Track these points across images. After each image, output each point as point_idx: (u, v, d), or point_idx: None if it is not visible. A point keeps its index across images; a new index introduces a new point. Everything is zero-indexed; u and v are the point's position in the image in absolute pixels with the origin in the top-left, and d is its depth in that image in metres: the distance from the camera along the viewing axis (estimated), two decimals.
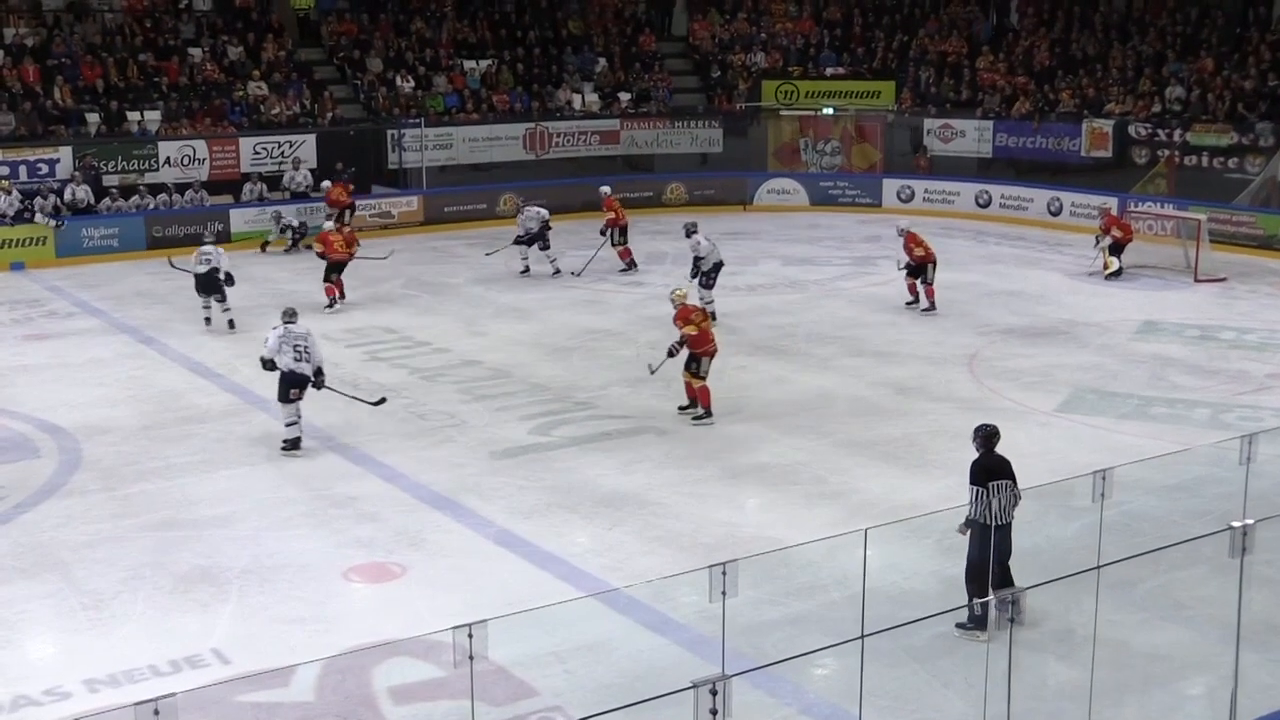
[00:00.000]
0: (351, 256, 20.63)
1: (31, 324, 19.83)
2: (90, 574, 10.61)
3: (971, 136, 30.28)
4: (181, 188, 26.67)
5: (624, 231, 23.41)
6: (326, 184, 26.24)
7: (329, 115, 29.39)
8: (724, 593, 7.13)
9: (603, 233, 23.38)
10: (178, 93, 28.46)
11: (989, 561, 9.09)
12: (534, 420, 14.57)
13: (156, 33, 29.72)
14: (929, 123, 30.85)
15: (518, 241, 23.00)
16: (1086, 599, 8.25)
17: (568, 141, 31.35)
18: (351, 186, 26.41)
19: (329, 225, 21.90)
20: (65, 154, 26.05)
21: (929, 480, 12.54)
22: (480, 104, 31.27)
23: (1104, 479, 8.38)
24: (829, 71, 33.03)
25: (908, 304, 19.94)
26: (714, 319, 17.91)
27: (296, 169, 27.58)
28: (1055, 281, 22.06)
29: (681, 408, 14.70)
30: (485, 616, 6.84)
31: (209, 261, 19.01)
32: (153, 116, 27.75)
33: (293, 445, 13.53)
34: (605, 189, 24.39)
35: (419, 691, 8.61)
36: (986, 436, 9.46)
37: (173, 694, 5.98)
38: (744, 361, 17.03)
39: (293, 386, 13.59)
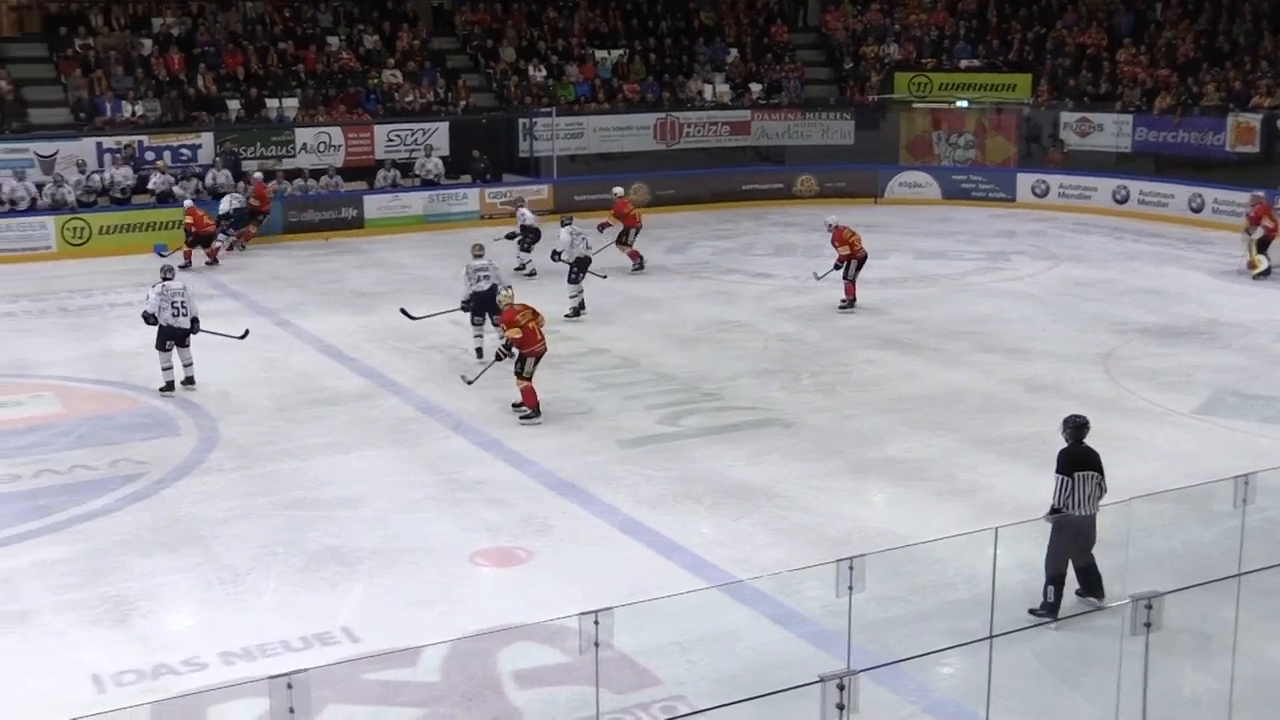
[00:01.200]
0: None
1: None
2: (226, 549, 10.86)
3: (1110, 130, 29.64)
4: (317, 173, 27.18)
5: (635, 233, 22.73)
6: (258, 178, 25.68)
7: (462, 104, 29.72)
8: (851, 588, 7.09)
9: (600, 229, 22.33)
10: (315, 80, 28.99)
11: (1069, 551, 9.25)
12: (661, 410, 14.59)
13: (295, 22, 30.32)
14: (1066, 116, 30.27)
15: (510, 236, 22.54)
16: (1226, 607, 8.05)
17: (698, 132, 31.32)
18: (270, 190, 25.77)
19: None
20: (207, 140, 26.70)
21: None
22: (611, 94, 31.39)
23: (1246, 484, 8.17)
24: (963, 64, 32.57)
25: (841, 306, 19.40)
26: (582, 311, 18.93)
27: (429, 156, 27.95)
28: (1196, 280, 21.51)
29: (515, 405, 14.43)
30: (609, 604, 6.88)
31: (486, 277, 16.52)
32: (291, 103, 28.31)
33: (167, 388, 15.20)
34: (618, 190, 23.96)
35: (543, 676, 8.67)
36: (1076, 427, 9.53)
37: (305, 669, 6.12)
38: (873, 355, 16.89)
39: (169, 338, 15.22)
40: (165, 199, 25.19)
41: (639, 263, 22.75)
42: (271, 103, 28.18)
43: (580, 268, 19.51)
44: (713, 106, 31.85)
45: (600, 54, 32.12)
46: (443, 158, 28.16)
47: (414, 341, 17.69)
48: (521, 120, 29.78)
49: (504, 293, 15.03)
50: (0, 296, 20.89)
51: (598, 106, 30.95)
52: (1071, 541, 9.26)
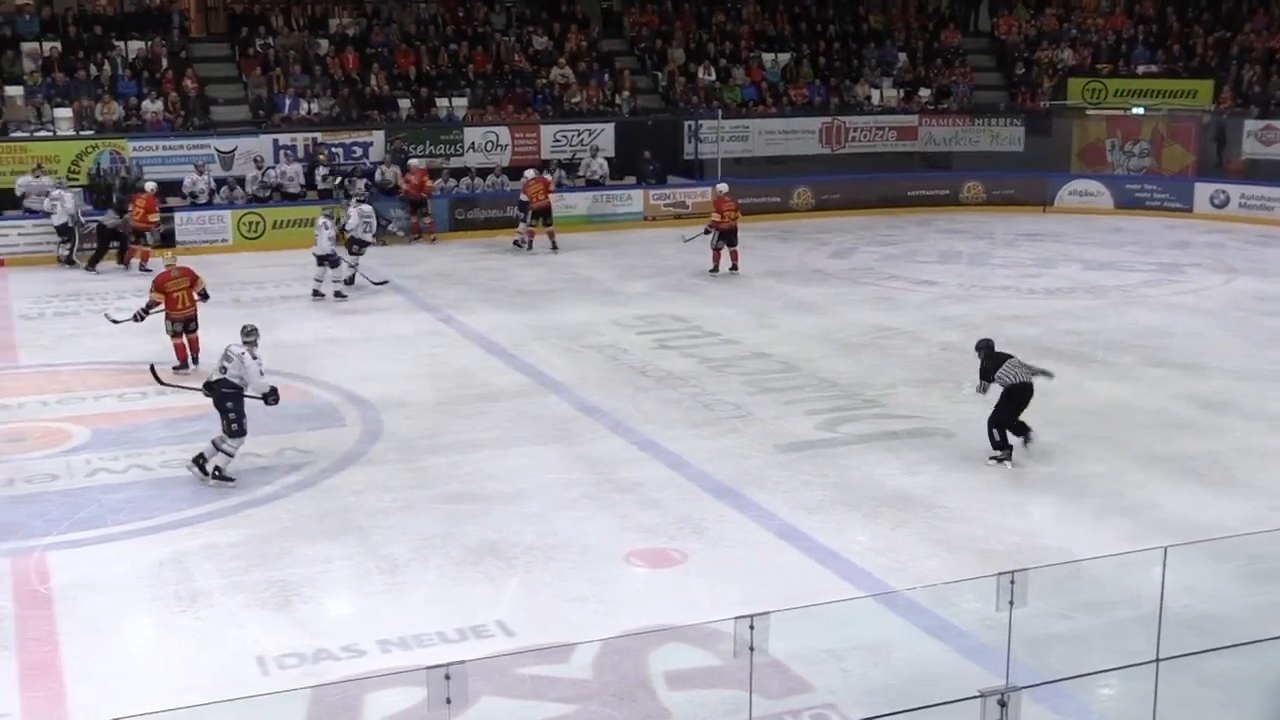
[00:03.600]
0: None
1: (341, 299, 20.82)
2: (386, 540, 11.07)
3: None
4: (484, 172, 27.59)
5: (718, 236, 22.69)
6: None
7: (628, 105, 29.88)
8: (1011, 602, 6.95)
9: (706, 231, 22.89)
10: (484, 80, 29.43)
11: (1017, 412, 12.86)
12: (820, 415, 14.50)
13: (467, 23, 30.82)
14: (1250, 124, 29.30)
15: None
16: None
17: (864, 136, 31.06)
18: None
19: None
20: (378, 138, 27.31)
21: (1235, 500, 11.94)
22: (778, 97, 31.28)
23: None
24: (1141, 69, 31.74)
25: (711, 271, 22.01)
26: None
27: (594, 157, 28.17)
28: None
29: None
30: (763, 608, 6.85)
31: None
32: (460, 103, 28.80)
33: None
34: (722, 187, 23.76)
35: (695, 678, 8.68)
36: (988, 347, 13.13)
37: (462, 661, 6.21)
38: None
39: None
40: (329, 195, 25.82)
41: (717, 265, 22.67)
42: (441, 102, 28.72)
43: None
44: (880, 111, 31.55)
45: (768, 57, 32.04)
46: (608, 159, 28.37)
47: (575, 340, 17.85)
48: (687, 122, 29.85)
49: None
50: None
51: (764, 110, 30.87)
52: (1019, 406, 12.80)
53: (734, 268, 22.55)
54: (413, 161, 26.29)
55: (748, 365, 16.64)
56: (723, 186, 23.77)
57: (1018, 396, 12.80)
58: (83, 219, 23.75)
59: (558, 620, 9.62)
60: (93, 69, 27.19)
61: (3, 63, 26.78)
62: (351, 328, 18.84)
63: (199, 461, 12.52)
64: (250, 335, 12.96)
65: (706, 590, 10.13)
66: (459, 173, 27.37)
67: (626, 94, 30.05)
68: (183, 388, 14.10)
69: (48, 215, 23.69)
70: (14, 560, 10.70)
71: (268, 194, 26.06)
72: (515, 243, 24.78)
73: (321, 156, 26.44)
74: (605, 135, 28.83)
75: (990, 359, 13.00)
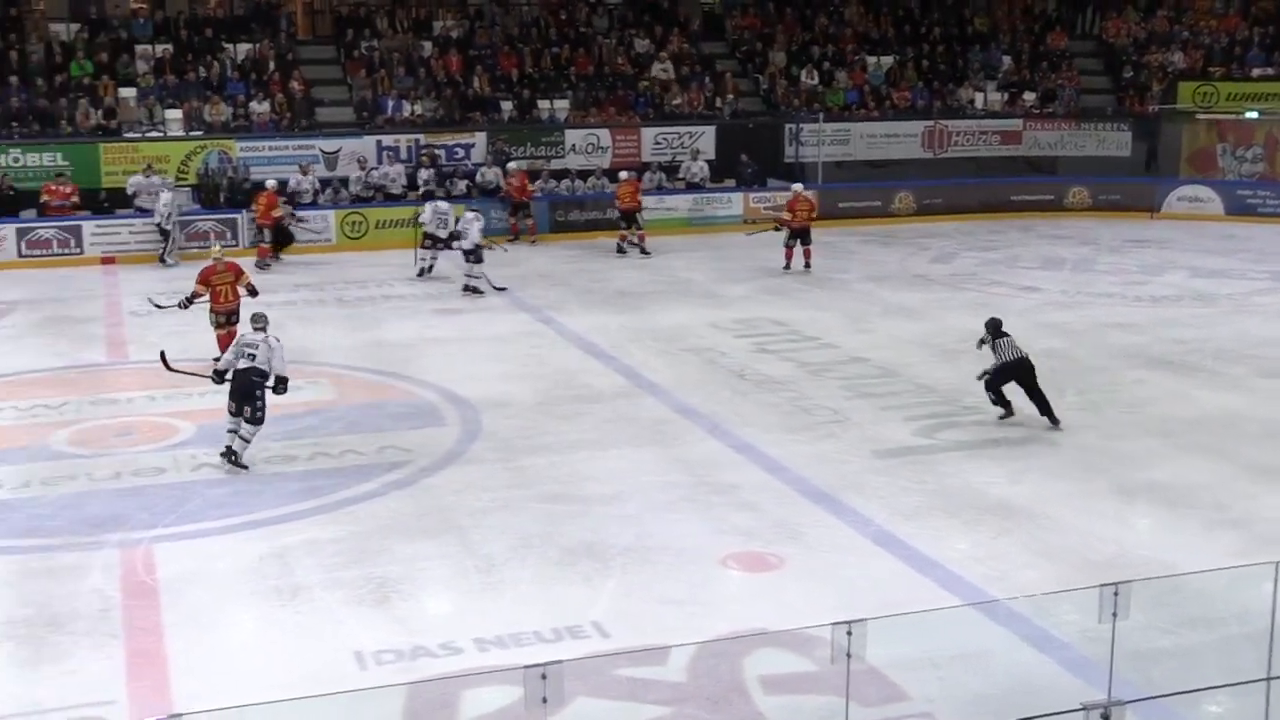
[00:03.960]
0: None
1: (442, 299, 21.04)
2: (484, 539, 11.15)
3: None
4: (585, 174, 27.70)
5: (793, 235, 23.06)
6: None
7: (729, 108, 29.85)
8: (1114, 614, 6.84)
9: (777, 228, 23.35)
10: (586, 83, 29.55)
11: (1005, 382, 14.33)
12: (919, 421, 14.38)
13: (570, 25, 30.94)
14: None
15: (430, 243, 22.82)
16: None
17: (967, 140, 30.72)
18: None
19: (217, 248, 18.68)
20: (480, 139, 27.52)
21: None
22: (880, 100, 31.07)
23: None
24: (1255, 72, 31.06)
25: (784, 269, 22.35)
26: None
27: (694, 160, 28.14)
28: None
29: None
30: (859, 615, 6.81)
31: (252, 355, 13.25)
32: (562, 105, 28.94)
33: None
34: (797, 186, 24.21)
35: (790, 684, 8.64)
36: (995, 327, 14.59)
37: (558, 661, 6.24)
38: (1142, 375, 16.28)
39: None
40: (431, 197, 26.07)
41: (788, 263, 22.99)
42: (543, 104, 28.87)
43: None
44: (983, 115, 31.19)
45: (871, 60, 31.82)
46: (708, 161, 28.34)
47: (673, 343, 17.87)
48: (788, 125, 29.74)
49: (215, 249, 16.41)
50: (283, 286, 21.94)
51: (866, 113, 30.68)
52: (1010, 377, 14.27)
53: (807, 266, 22.86)
54: (512, 164, 26.47)
55: (846, 370, 16.55)
56: (798, 186, 24.19)
57: (1012, 371, 14.35)
58: (179, 218, 24.11)
59: (653, 622, 9.63)
60: (202, 70, 27.70)
61: (117, 65, 27.39)
62: (452, 328, 19.01)
63: (229, 456, 12.85)
64: (261, 322, 13.31)
65: (803, 595, 10.09)
66: (559, 174, 27.49)
67: (728, 97, 30.01)
68: (191, 374, 14.13)
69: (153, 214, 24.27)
70: (122, 551, 10.93)
71: (370, 194, 26.39)
72: (619, 249, 24.70)
73: (427, 157, 26.69)
74: (706, 138, 28.82)
75: (996, 335, 14.57)
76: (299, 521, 11.59)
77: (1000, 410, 14.40)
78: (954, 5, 34.12)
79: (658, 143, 28.62)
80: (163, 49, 27.93)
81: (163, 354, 14.13)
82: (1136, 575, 9.50)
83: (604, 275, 22.84)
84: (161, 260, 23.82)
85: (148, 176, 24.86)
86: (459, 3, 31.28)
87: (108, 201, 24.95)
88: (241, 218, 24.96)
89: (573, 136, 28.15)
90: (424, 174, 26.50)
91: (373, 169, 26.58)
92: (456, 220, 22.07)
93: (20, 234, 23.99)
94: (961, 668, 8.89)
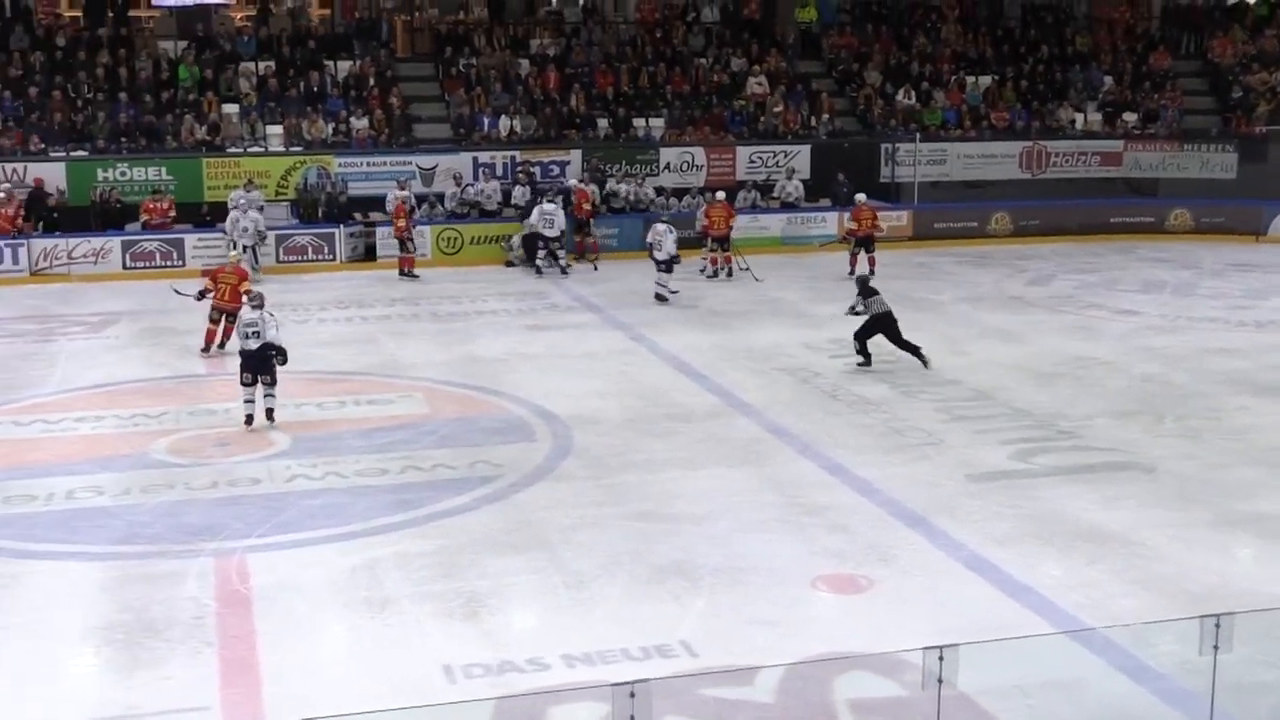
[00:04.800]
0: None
1: (535, 315, 21.17)
2: (573, 555, 11.17)
3: None
4: (679, 193, 27.72)
5: (858, 245, 24.20)
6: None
7: (825, 127, 29.74)
8: (1216, 646, 6.70)
9: (843, 240, 24.46)
10: (681, 101, 29.59)
11: (873, 334, 17.32)
12: (1014, 445, 14.20)
13: (666, 44, 31.01)
14: None
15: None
16: None
17: (1066, 161, 30.35)
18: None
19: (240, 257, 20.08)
20: (575, 156, 27.67)
21: None
22: (978, 120, 30.80)
23: None
24: None
25: (849, 274, 22.76)
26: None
27: (790, 179, 28.06)
28: None
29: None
30: (950, 640, 6.73)
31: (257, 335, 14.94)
32: (657, 123, 29.01)
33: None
34: (860, 196, 24.66)
35: (879, 708, 8.56)
36: (864, 285, 17.88)
37: (646, 679, 6.22)
38: (1246, 402, 15.95)
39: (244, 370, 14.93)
40: (527, 214, 26.23)
41: (852, 269, 23.60)
42: (638, 122, 28.96)
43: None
44: (1083, 135, 30.81)
45: (969, 80, 31.56)
46: (803, 181, 28.25)
47: (766, 362, 17.82)
48: (884, 145, 29.59)
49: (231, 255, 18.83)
50: (379, 300, 22.20)
51: (963, 133, 30.43)
52: (878, 329, 17.27)
53: (871, 273, 22.91)
54: (571, 182, 26.52)
55: (940, 392, 16.40)
56: (860, 196, 24.64)
57: (880, 322, 17.25)
58: (259, 232, 24.12)
59: (742, 643, 9.58)
60: (303, 87, 28.13)
61: (221, 82, 27.91)
62: (544, 344, 19.11)
63: (270, 416, 14.76)
64: (258, 300, 15.18)
65: (893, 619, 9.99)
66: (655, 192, 27.52)
67: (824, 116, 29.91)
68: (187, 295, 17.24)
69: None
70: (217, 560, 11.10)
71: (466, 211, 26.62)
72: (703, 273, 24.50)
73: (523, 174, 26.86)
74: (801, 157, 28.75)
75: (866, 293, 17.46)
76: (390, 534, 11.69)
77: (861, 360, 17.32)
78: (1054, 24, 33.75)
79: (752, 161, 28.60)
80: (265, 66, 28.42)
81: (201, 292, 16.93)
82: (1239, 607, 9.29)
83: (697, 294, 22.84)
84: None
85: (248, 191, 25.27)
86: (556, 21, 31.53)
87: (210, 215, 25.40)
88: (339, 232, 25.31)
89: (668, 155, 28.22)
90: (519, 190, 26.68)
91: (468, 185, 26.81)
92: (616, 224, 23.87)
93: (125, 247, 24.51)
94: (1054, 696, 8.74)
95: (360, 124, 27.56)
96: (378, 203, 25.98)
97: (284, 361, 14.91)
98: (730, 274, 24.27)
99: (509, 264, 25.46)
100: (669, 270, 21.94)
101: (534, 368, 17.67)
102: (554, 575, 10.79)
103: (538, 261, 24.66)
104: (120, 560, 11.14)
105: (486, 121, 28.13)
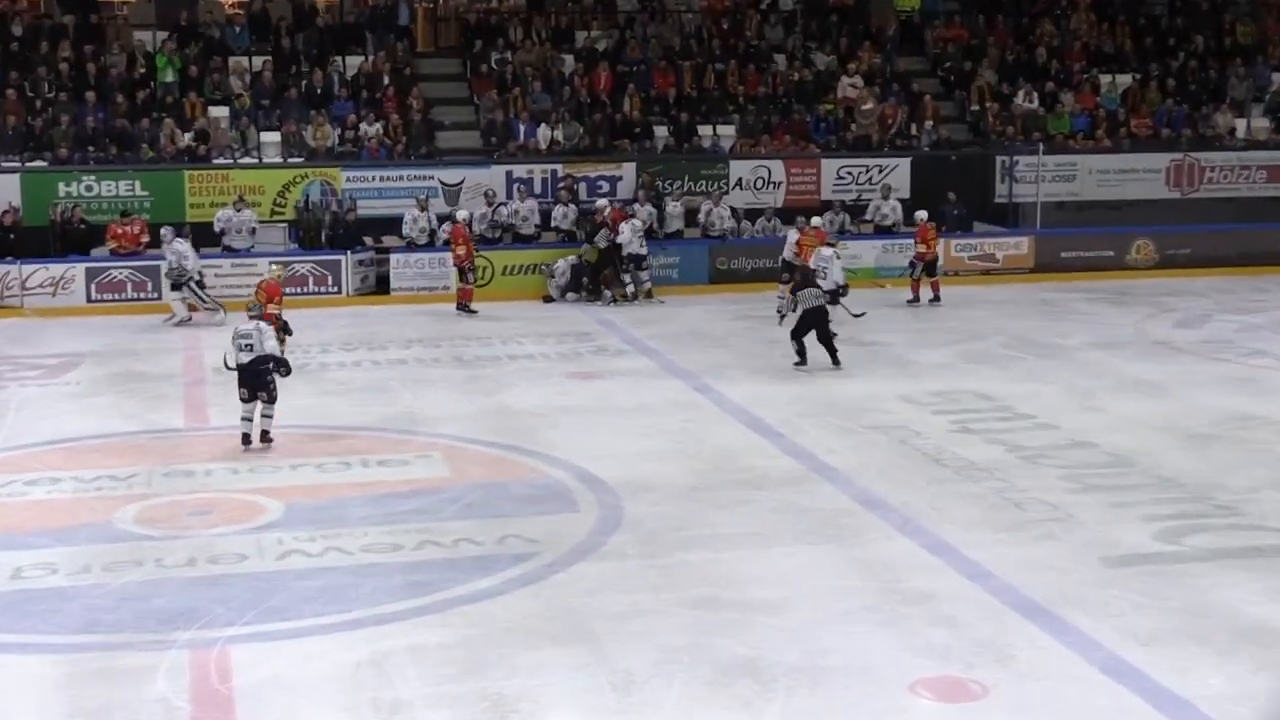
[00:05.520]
0: None
1: (579, 360, 21.20)
2: (623, 650, 11.09)
3: None
4: (753, 214, 27.73)
5: (925, 268, 25.39)
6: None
7: (929, 136, 29.72)
8: None
9: (911, 264, 25.44)
10: (756, 105, 29.66)
11: (806, 332, 20.05)
12: (1160, 522, 14.02)
13: (737, 37, 31.09)
14: None
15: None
16: None
17: (1224, 177, 30.20)
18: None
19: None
20: (628, 170, 27.80)
21: None
22: (1115, 128, 30.66)
23: None
24: None
25: (911, 302, 24.53)
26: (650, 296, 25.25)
27: (886, 199, 28.01)
28: None
29: None
30: None
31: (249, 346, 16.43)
32: (726, 131, 29.14)
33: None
34: (921, 215, 25.51)
35: None
36: (805, 273, 20.75)
37: None
38: None
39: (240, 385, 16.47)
40: (571, 238, 26.32)
41: (916, 296, 25.04)
42: (704, 130, 29.07)
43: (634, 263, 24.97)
44: (1245, 146, 30.62)
45: (1105, 79, 31.47)
46: (901, 200, 28.21)
47: (856, 419, 17.72)
48: (999, 158, 29.55)
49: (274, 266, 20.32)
50: (393, 341, 22.30)
51: (1097, 143, 30.31)
52: (810, 325, 19.93)
53: (935, 298, 23.91)
54: (601, 201, 26.54)
55: (1068, 456, 16.24)
56: (921, 214, 25.52)
57: (812, 317, 19.82)
58: (178, 269, 23.94)
59: None
60: (305, 86, 28.39)
61: (207, 81, 28.16)
62: (589, 394, 19.11)
63: (266, 438, 16.31)
64: (254, 310, 16.76)
65: None
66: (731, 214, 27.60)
67: (927, 123, 29.88)
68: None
69: (246, 252, 24.97)
70: (193, 653, 11.08)
71: (498, 235, 26.76)
72: (779, 312, 24.21)
73: (566, 190, 26.96)
74: (899, 172, 28.76)
75: (801, 284, 20.09)
76: (402, 623, 11.65)
77: (797, 359, 20.03)
78: (1210, 12, 33.61)
79: (840, 177, 28.65)
80: (260, 61, 28.73)
81: (225, 356, 16.84)
82: None
83: (772, 336, 22.77)
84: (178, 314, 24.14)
85: (239, 210, 25.51)
86: (607, 11, 31.69)
87: (192, 239, 25.64)
88: (345, 260, 25.49)
89: (739, 169, 28.31)
90: (561, 210, 26.78)
91: (501, 204, 26.94)
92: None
93: (90, 275, 24.76)
94: None
95: (373, 131, 27.82)
96: (393, 225, 26.18)
97: (285, 373, 16.73)
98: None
99: (547, 299, 25.57)
100: (835, 301, 21.91)
101: (578, 423, 17.65)
102: (599, 674, 10.71)
103: (624, 280, 25.41)
104: (76, 653, 11.13)
105: (523, 129, 28.35)
